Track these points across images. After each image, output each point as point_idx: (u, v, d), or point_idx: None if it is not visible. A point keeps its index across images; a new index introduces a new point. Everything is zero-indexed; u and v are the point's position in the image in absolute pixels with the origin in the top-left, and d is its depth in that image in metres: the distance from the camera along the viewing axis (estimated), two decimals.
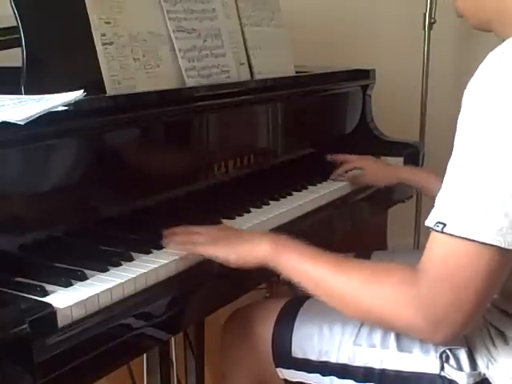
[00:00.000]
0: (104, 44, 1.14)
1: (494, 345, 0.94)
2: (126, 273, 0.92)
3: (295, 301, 1.15)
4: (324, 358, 1.06)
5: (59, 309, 0.80)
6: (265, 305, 1.22)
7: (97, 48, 1.12)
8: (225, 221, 1.16)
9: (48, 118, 0.89)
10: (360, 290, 0.85)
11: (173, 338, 1.45)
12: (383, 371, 1.01)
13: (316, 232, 1.35)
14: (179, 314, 0.98)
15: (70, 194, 1.00)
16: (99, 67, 1.12)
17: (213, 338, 1.41)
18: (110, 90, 1.13)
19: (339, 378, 1.05)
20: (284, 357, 1.10)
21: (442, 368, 0.98)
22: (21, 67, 1.04)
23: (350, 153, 1.58)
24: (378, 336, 1.03)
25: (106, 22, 1.15)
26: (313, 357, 1.07)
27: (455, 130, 0.79)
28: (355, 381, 1.03)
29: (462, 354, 0.97)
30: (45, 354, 0.76)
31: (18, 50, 1.05)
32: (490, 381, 0.95)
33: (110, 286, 0.88)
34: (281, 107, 1.49)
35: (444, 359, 0.98)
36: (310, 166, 1.53)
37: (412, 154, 1.75)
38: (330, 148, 1.63)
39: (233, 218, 1.18)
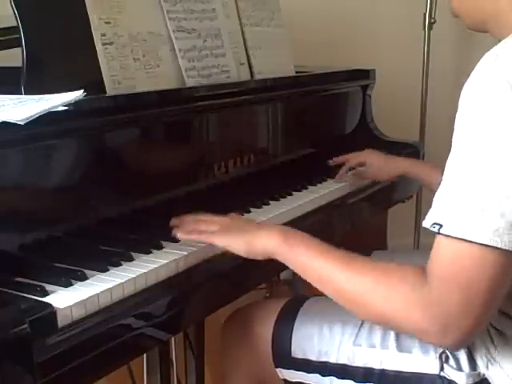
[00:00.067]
0: (104, 44, 1.14)
1: (493, 345, 0.94)
2: (126, 273, 0.92)
3: (295, 301, 1.16)
4: (324, 359, 1.06)
5: (59, 309, 0.80)
6: (265, 305, 1.22)
7: (97, 48, 1.12)
8: None
9: (48, 118, 0.89)
10: (371, 291, 0.84)
11: (173, 338, 1.45)
12: (383, 371, 1.02)
13: (316, 232, 1.34)
14: (179, 314, 0.98)
15: (70, 193, 1.00)
16: (99, 67, 1.12)
17: (213, 338, 1.41)
18: (110, 90, 1.13)
19: (339, 378, 1.05)
20: (284, 357, 1.10)
21: (442, 368, 0.98)
22: (21, 67, 1.04)
23: (349, 153, 1.58)
24: (377, 336, 1.03)
25: (106, 22, 1.15)
26: (312, 357, 1.07)
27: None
28: (355, 381, 1.03)
29: (462, 355, 0.97)
30: (45, 354, 0.76)
31: (18, 50, 1.05)
32: (490, 381, 0.95)
33: (109, 286, 0.88)
34: (281, 107, 1.49)
35: (444, 359, 0.98)
36: (310, 165, 1.53)
37: (412, 154, 1.75)
38: (329, 148, 1.63)
39: None
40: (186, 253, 1.00)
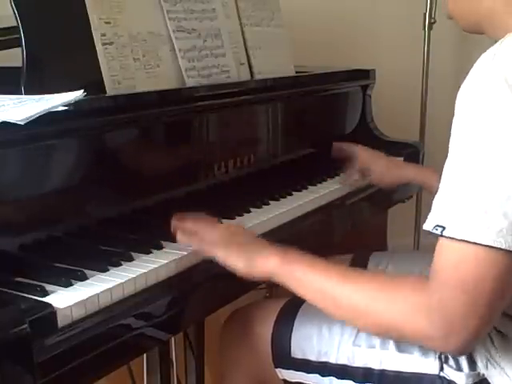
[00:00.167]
0: (104, 44, 1.14)
1: (493, 345, 0.94)
2: (126, 273, 0.92)
3: (295, 301, 1.15)
4: (323, 359, 1.06)
5: (59, 309, 0.80)
6: (264, 305, 1.22)
7: (97, 48, 1.12)
8: (225, 221, 1.16)
9: (48, 118, 0.89)
10: (370, 301, 0.84)
11: (173, 338, 1.45)
12: (382, 372, 1.01)
13: (316, 232, 1.35)
14: (179, 314, 0.98)
15: (70, 193, 1.00)
16: (99, 67, 1.12)
17: (213, 338, 1.41)
18: (110, 90, 1.13)
19: (338, 378, 1.05)
20: (283, 357, 1.10)
21: (442, 369, 0.98)
22: (21, 67, 1.04)
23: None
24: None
25: (106, 22, 1.15)
26: (312, 357, 1.07)
27: None
28: (354, 381, 1.03)
29: None
30: (45, 354, 0.76)
31: (18, 50, 1.05)
32: (489, 381, 0.95)
33: (109, 286, 0.88)
34: (281, 107, 1.49)
35: (443, 360, 0.98)
36: (310, 166, 1.53)
37: (412, 154, 1.75)
38: (329, 148, 1.63)
39: (233, 218, 1.18)
40: (185, 253, 1.00)
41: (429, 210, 0.81)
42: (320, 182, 1.47)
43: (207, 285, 1.02)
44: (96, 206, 1.04)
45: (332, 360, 1.05)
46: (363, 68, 1.78)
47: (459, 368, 0.97)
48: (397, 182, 1.49)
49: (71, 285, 0.87)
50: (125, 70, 1.16)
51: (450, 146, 0.79)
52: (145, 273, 0.93)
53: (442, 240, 0.78)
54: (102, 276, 0.91)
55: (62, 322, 0.80)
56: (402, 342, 1.00)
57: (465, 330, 0.77)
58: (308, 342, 1.08)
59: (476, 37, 0.98)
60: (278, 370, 1.11)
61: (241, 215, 1.20)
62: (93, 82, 1.10)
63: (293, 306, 1.14)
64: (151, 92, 1.17)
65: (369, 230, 1.91)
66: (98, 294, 0.86)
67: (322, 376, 1.06)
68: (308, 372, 1.08)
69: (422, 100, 2.42)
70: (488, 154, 0.75)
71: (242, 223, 1.14)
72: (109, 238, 1.03)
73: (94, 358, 0.82)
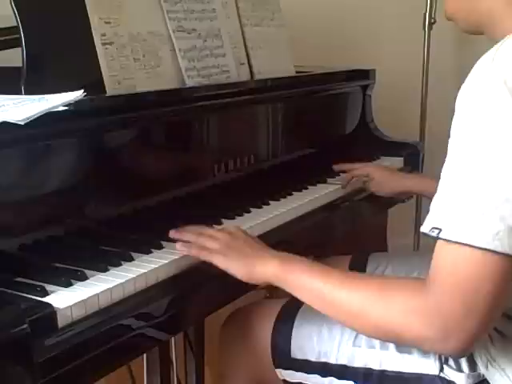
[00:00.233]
0: (104, 44, 1.14)
1: (493, 346, 0.94)
2: (126, 273, 0.92)
3: (295, 301, 1.15)
4: (323, 359, 1.06)
5: (59, 309, 0.80)
6: (264, 305, 1.22)
7: (97, 48, 1.12)
8: (225, 221, 1.16)
9: (48, 118, 0.89)
10: (367, 304, 0.84)
11: (173, 338, 1.45)
12: (382, 372, 1.01)
13: (316, 232, 1.35)
14: (179, 315, 0.98)
15: (70, 193, 1.00)
16: (99, 67, 1.12)
17: (213, 338, 1.40)
18: (110, 90, 1.13)
19: (338, 378, 1.05)
20: (283, 357, 1.10)
21: (442, 369, 0.98)
22: (21, 67, 1.04)
23: (350, 154, 1.58)
24: None
25: (106, 22, 1.15)
26: (312, 357, 1.07)
27: None
28: (354, 382, 1.03)
29: None
30: (45, 354, 0.76)
31: (18, 50, 1.05)
32: (490, 382, 0.95)
33: (110, 286, 0.88)
34: (281, 107, 1.49)
35: (443, 360, 0.98)
36: (310, 166, 1.53)
37: (412, 154, 1.75)
38: (330, 148, 1.63)
39: (233, 218, 1.18)
40: (185, 253, 1.00)
41: (428, 210, 0.81)
42: (320, 182, 1.47)
43: (207, 285, 1.02)
44: (96, 205, 1.04)
45: (332, 360, 1.05)
46: (363, 68, 1.78)
47: (459, 369, 0.97)
48: (396, 190, 1.49)
49: (71, 285, 0.87)
50: (125, 69, 1.16)
51: (448, 148, 0.79)
52: (145, 273, 0.93)
53: (439, 242, 0.78)
54: (102, 276, 0.91)
55: (62, 322, 0.80)
56: (407, 346, 1.00)
57: (462, 332, 0.77)
58: (308, 342, 1.08)
59: (476, 37, 0.98)
60: (277, 371, 1.11)
61: (241, 215, 1.20)
62: (93, 82, 1.10)
63: (293, 306, 1.14)
64: (151, 92, 1.17)
65: (369, 230, 1.91)
66: (97, 294, 0.86)
67: (322, 376, 1.06)
68: (308, 372, 1.08)
69: (422, 100, 2.42)
70: (486, 156, 0.74)
71: (241, 223, 1.14)
72: (109, 238, 1.03)
73: (94, 358, 0.82)
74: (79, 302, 0.83)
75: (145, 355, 1.42)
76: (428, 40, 2.36)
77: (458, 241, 0.75)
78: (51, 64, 1.08)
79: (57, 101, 0.92)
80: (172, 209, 1.15)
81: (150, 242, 1.02)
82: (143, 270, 0.93)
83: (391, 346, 1.02)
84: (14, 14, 1.04)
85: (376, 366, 1.02)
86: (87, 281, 0.89)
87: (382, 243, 2.06)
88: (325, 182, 1.48)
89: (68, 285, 0.87)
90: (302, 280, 0.92)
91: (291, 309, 1.14)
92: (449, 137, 0.79)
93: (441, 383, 0.97)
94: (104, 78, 1.12)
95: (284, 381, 1.12)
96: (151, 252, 1.00)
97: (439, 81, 2.48)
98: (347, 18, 2.39)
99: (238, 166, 1.32)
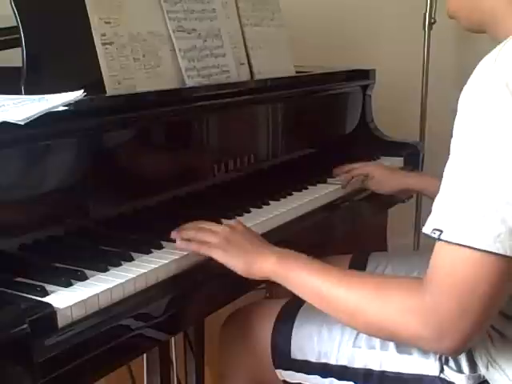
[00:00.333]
0: (104, 44, 1.14)
1: (494, 346, 0.94)
2: (126, 273, 0.92)
3: (295, 302, 1.15)
4: (323, 360, 1.06)
5: (59, 309, 0.80)
6: (264, 305, 1.22)
7: (97, 48, 1.12)
8: (225, 221, 1.16)
9: (48, 118, 0.89)
10: (364, 302, 0.85)
11: (173, 338, 1.45)
12: (383, 373, 1.01)
13: (316, 232, 1.35)
14: (179, 315, 0.98)
15: (70, 193, 1.00)
16: (99, 67, 1.12)
17: (213, 338, 1.40)
18: (110, 90, 1.13)
19: (339, 379, 1.05)
20: (283, 358, 1.10)
21: (442, 370, 0.98)
22: (21, 67, 1.04)
23: (350, 153, 1.58)
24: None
25: (106, 22, 1.15)
26: (312, 358, 1.07)
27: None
28: (355, 382, 1.03)
29: (462, 356, 0.97)
30: (45, 354, 0.76)
31: (18, 50, 1.05)
32: (490, 382, 0.95)
33: (110, 286, 0.88)
34: (281, 107, 1.49)
35: (443, 361, 0.98)
36: (310, 166, 1.53)
37: (412, 154, 1.75)
38: (330, 148, 1.63)
39: (233, 218, 1.18)
40: (186, 253, 1.00)
41: (429, 210, 0.81)
42: (320, 182, 1.47)
43: (207, 285, 1.02)
44: (96, 205, 1.04)
45: (332, 361, 1.05)
46: (363, 68, 1.78)
47: (460, 369, 0.97)
48: (396, 188, 1.49)
49: (71, 285, 0.87)
50: (125, 69, 1.16)
51: (451, 149, 0.79)
52: (145, 273, 0.93)
53: (439, 243, 0.78)
54: (102, 276, 0.91)
55: (61, 322, 0.80)
56: (402, 343, 1.01)
57: (457, 332, 0.77)
58: (308, 342, 1.08)
59: (476, 36, 0.98)
60: (278, 371, 1.11)
61: (241, 215, 1.20)
62: (93, 82, 1.10)
63: (293, 306, 1.14)
64: (151, 92, 1.17)
65: (369, 230, 1.91)
66: (97, 294, 0.86)
67: (323, 377, 1.06)
68: (308, 373, 1.08)
69: (422, 100, 2.42)
70: (488, 158, 0.74)
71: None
72: (109, 238, 1.03)
73: (94, 358, 0.82)
74: (79, 301, 0.83)
75: (145, 355, 1.42)
76: (428, 40, 2.36)
77: (459, 242, 0.75)
78: (51, 64, 1.08)
79: (57, 101, 0.92)
80: (172, 209, 1.15)
81: (150, 242, 1.02)
82: (143, 270, 0.93)
83: (391, 346, 1.01)
84: (14, 14, 1.04)
85: (376, 367, 1.02)
86: (87, 281, 0.89)
87: (381, 243, 2.06)
88: (325, 182, 1.48)
89: (68, 285, 0.87)
90: (300, 277, 0.92)
91: (291, 309, 1.13)
92: (449, 137, 0.79)
93: None
94: (104, 78, 1.12)
95: (284, 381, 1.11)
96: (151, 252, 1.00)
97: (439, 81, 2.48)
98: (347, 18, 2.39)
99: (237, 166, 1.32)
